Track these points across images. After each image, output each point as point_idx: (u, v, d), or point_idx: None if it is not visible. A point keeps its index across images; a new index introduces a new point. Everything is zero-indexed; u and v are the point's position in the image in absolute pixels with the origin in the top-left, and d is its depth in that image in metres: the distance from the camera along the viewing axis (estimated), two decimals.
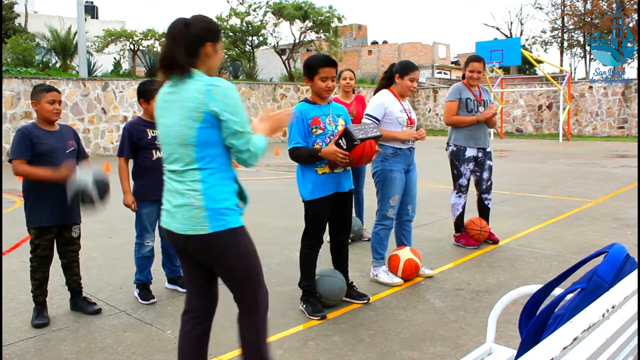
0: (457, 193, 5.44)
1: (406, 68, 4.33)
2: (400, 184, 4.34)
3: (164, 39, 19.13)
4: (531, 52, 32.98)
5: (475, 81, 5.34)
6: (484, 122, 5.36)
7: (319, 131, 3.61)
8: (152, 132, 3.97)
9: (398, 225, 4.61)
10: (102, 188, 3.48)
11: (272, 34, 27.42)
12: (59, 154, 3.59)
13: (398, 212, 4.48)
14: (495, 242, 5.49)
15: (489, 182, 5.51)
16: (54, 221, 3.61)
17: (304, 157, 3.59)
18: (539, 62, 29.55)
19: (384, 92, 4.41)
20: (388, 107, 4.30)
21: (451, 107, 5.33)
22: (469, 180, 5.43)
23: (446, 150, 5.52)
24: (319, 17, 26.25)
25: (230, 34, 26.36)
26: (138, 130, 3.94)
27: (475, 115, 5.30)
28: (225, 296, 4.07)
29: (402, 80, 4.33)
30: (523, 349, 1.62)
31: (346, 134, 3.43)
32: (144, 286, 4.05)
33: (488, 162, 5.46)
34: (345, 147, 3.44)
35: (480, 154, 5.40)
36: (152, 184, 3.94)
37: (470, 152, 5.34)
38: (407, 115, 4.35)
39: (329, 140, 3.60)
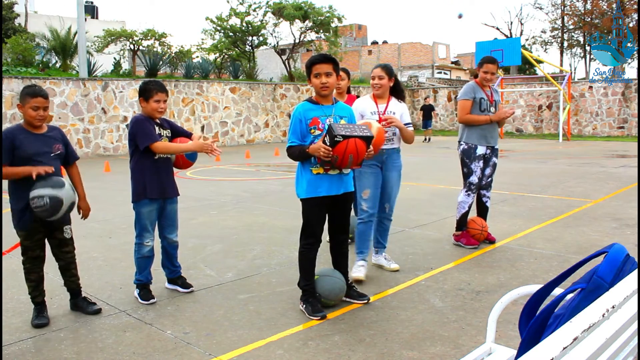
0: (466, 191, 5.46)
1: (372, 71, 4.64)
2: (371, 177, 4.41)
3: (164, 39, 18.88)
4: (531, 52, 32.97)
5: (488, 82, 5.41)
6: (496, 122, 5.41)
7: (317, 132, 3.62)
8: (158, 129, 3.98)
9: (376, 222, 4.68)
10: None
11: (272, 34, 27.44)
12: (44, 158, 3.55)
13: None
14: (492, 241, 5.50)
15: (489, 178, 5.53)
16: (48, 225, 3.60)
17: (296, 154, 3.63)
18: (539, 62, 29.55)
19: (362, 97, 4.68)
20: (361, 110, 4.50)
21: (465, 105, 5.37)
22: (479, 178, 5.44)
23: (458, 148, 5.54)
24: (319, 17, 26.25)
25: (230, 34, 26.37)
26: (150, 123, 3.95)
27: (489, 115, 5.34)
28: (224, 297, 4.08)
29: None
30: (523, 349, 1.62)
31: (328, 130, 3.43)
32: (144, 286, 4.04)
33: (494, 159, 5.50)
34: (328, 143, 3.43)
35: (488, 152, 5.43)
36: (153, 182, 3.95)
37: (480, 150, 5.37)
38: (379, 116, 4.47)
39: None
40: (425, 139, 22.02)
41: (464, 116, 5.37)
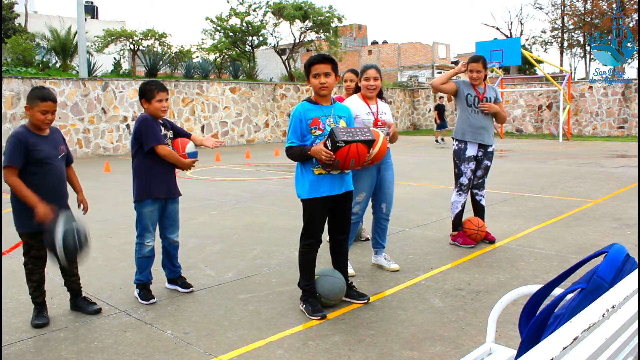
0: (457, 191, 5.47)
1: (361, 71, 4.57)
2: (367, 181, 4.43)
3: (164, 39, 18.90)
4: (531, 52, 32.97)
5: (476, 80, 5.39)
6: (488, 117, 5.38)
7: (318, 132, 3.62)
8: (163, 130, 3.99)
9: (374, 222, 4.74)
10: (81, 239, 3.44)
11: (272, 34, 27.45)
12: (55, 160, 3.59)
13: (373, 209, 4.69)
14: (492, 241, 5.50)
15: (481, 179, 5.54)
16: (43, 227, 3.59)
17: (297, 155, 3.63)
18: (539, 62, 29.55)
19: (351, 97, 4.61)
20: (353, 111, 4.37)
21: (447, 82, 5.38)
22: (470, 179, 5.44)
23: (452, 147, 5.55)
24: (319, 17, 26.26)
25: (230, 34, 26.37)
26: (156, 124, 3.96)
27: (474, 108, 5.33)
28: (225, 297, 4.08)
29: (361, 83, 4.54)
30: (523, 349, 1.62)
31: (330, 135, 3.43)
32: (144, 286, 4.04)
33: (486, 161, 5.48)
34: (330, 147, 3.43)
35: (480, 153, 5.41)
36: (158, 182, 3.95)
37: (470, 151, 5.36)
38: (374, 117, 4.46)
39: None
40: (438, 140, 20.74)
41: (435, 80, 5.40)
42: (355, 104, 4.46)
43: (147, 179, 3.95)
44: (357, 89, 4.66)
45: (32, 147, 3.48)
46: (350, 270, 4.51)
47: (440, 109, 21.46)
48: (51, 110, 3.54)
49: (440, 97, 23.88)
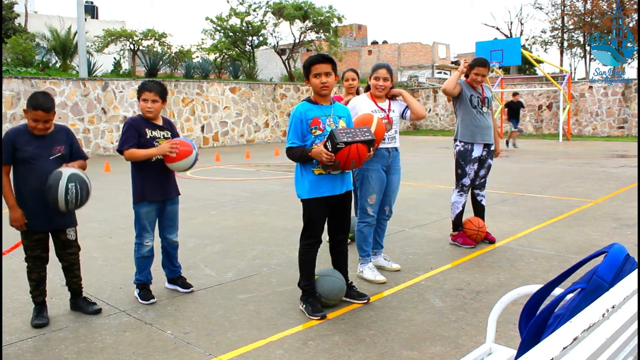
0: (458, 192, 5.46)
1: (372, 70, 4.56)
2: (377, 182, 4.39)
3: (164, 39, 18.87)
4: (531, 52, 32.97)
5: (479, 84, 5.40)
6: (490, 117, 5.41)
7: (318, 132, 3.61)
8: (151, 131, 3.97)
9: (375, 223, 4.67)
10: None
11: (272, 34, 27.46)
12: (41, 161, 3.53)
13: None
14: (492, 241, 5.50)
15: (483, 179, 5.53)
16: (43, 227, 3.60)
17: (297, 156, 3.63)
18: (539, 62, 29.55)
19: (359, 96, 4.59)
20: (359, 110, 4.39)
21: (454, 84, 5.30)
22: (472, 180, 5.44)
23: (454, 148, 5.51)
24: (319, 17, 26.26)
25: (230, 34, 26.37)
26: (140, 126, 3.95)
27: (479, 110, 5.32)
28: (224, 297, 4.08)
29: (370, 81, 4.52)
30: (523, 349, 1.62)
31: (330, 136, 3.43)
32: (143, 286, 4.04)
33: (489, 160, 5.48)
34: (330, 149, 3.43)
35: (484, 152, 5.42)
36: (153, 185, 3.95)
37: (476, 152, 5.36)
38: (386, 115, 4.42)
39: None
40: (508, 143, 17.63)
41: (444, 84, 5.36)
42: (361, 101, 4.46)
43: (141, 182, 3.96)
44: (368, 88, 4.64)
45: (19, 145, 3.49)
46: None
47: (516, 107, 17.72)
48: (42, 119, 3.48)
49: (515, 94, 18.77)
